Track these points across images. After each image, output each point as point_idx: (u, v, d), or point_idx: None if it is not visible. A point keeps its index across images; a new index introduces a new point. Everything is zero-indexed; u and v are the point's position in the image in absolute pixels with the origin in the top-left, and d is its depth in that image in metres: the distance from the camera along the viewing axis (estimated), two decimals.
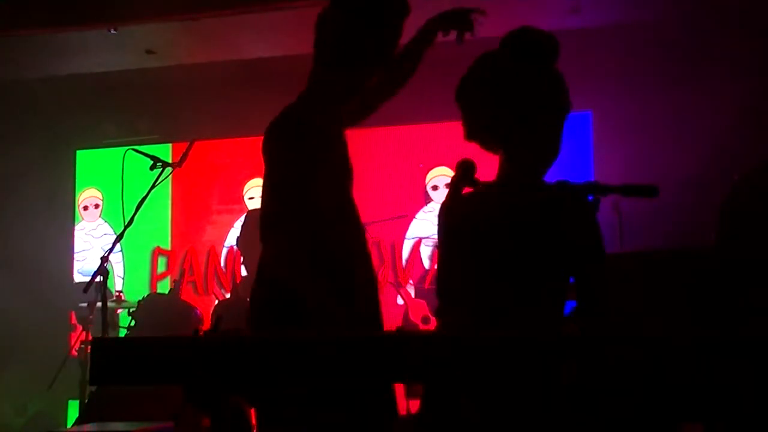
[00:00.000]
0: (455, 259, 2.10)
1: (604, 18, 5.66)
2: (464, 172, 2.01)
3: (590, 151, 5.89)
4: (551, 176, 2.10)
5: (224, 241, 6.63)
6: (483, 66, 2.11)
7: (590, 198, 1.97)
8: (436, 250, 3.94)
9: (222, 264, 6.59)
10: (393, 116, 6.09)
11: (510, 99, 2.06)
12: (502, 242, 2.04)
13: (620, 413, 1.62)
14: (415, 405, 4.73)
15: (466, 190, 2.08)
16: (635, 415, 1.57)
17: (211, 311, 5.31)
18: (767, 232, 3.66)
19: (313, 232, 2.30)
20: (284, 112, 2.38)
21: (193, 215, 6.67)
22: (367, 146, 5.87)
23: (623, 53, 5.53)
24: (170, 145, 6.64)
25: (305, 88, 2.44)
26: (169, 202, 6.67)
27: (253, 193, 6.62)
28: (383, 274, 6.16)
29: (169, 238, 6.67)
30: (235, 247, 6.34)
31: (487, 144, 2.15)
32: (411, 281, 6.18)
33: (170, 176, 6.40)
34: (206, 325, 5.17)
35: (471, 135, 2.14)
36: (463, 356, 1.55)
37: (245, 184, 6.63)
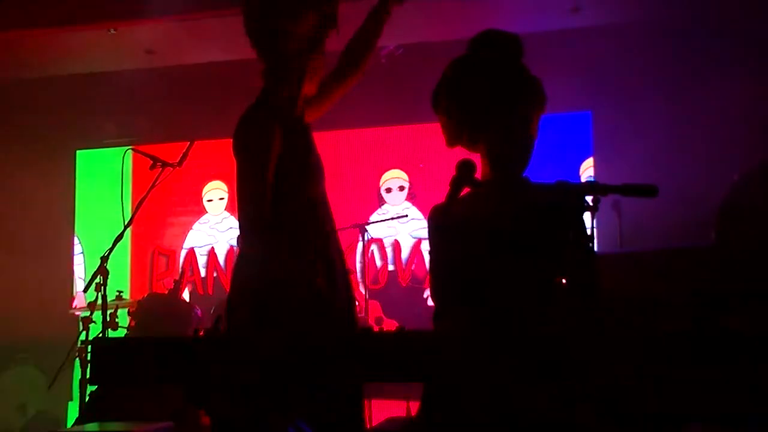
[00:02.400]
0: (452, 260, 2.10)
1: (604, 18, 5.66)
2: (464, 172, 2.01)
3: (590, 151, 5.89)
4: (552, 176, 2.10)
5: (183, 243, 6.64)
6: (453, 73, 2.14)
7: (590, 198, 1.98)
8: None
9: (180, 265, 6.60)
10: (345, 120, 6.12)
11: (480, 101, 2.09)
12: (500, 242, 2.05)
13: (621, 412, 1.62)
14: (415, 405, 4.73)
15: (465, 190, 2.09)
16: (636, 414, 1.57)
17: (211, 311, 5.30)
18: (766, 232, 3.66)
19: (286, 229, 2.30)
20: (249, 110, 2.39)
21: (152, 217, 6.66)
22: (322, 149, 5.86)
23: (623, 53, 5.53)
24: (130, 148, 6.67)
25: (262, 88, 2.45)
26: (130, 204, 6.69)
27: (211, 196, 6.62)
28: (382, 274, 6.17)
29: (129, 241, 6.66)
30: (235, 247, 6.35)
31: (469, 147, 2.17)
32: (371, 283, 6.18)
33: (130, 179, 6.49)
34: (206, 324, 5.16)
35: (451, 141, 2.17)
36: (463, 356, 1.55)
37: (204, 186, 6.65)
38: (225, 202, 6.63)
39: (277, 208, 2.30)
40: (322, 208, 2.43)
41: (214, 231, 6.61)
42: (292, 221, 2.33)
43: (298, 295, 2.21)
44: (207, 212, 6.63)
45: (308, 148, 2.43)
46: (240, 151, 2.33)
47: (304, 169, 2.39)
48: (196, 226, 6.63)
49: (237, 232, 6.47)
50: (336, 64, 2.59)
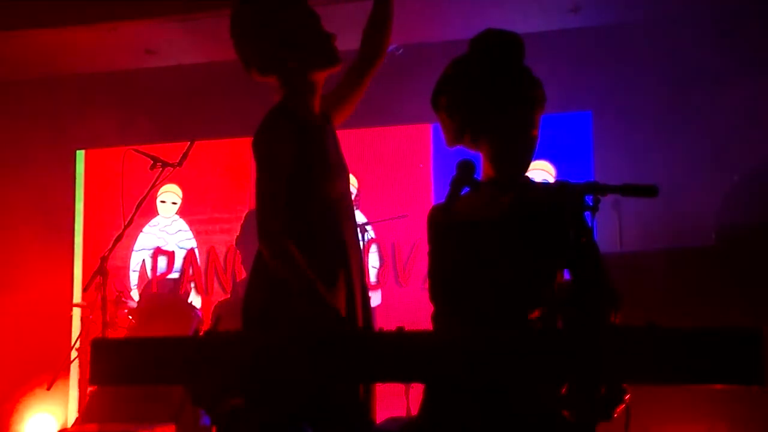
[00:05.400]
0: (452, 260, 2.10)
1: (604, 18, 5.66)
2: (464, 172, 2.01)
3: (590, 151, 5.89)
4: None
5: (134, 244, 6.63)
6: (454, 73, 2.14)
7: (590, 198, 1.98)
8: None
9: (134, 268, 6.60)
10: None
11: (482, 102, 2.09)
12: (499, 242, 2.05)
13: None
14: (415, 405, 4.73)
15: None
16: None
17: (211, 311, 5.31)
18: (766, 232, 3.66)
19: (308, 230, 2.32)
20: (272, 110, 2.40)
21: (106, 219, 6.63)
22: None
23: (623, 53, 5.53)
24: (83, 151, 6.73)
25: (283, 92, 2.46)
26: (82, 206, 6.74)
27: (164, 198, 6.61)
28: (383, 274, 6.17)
29: (81, 243, 6.69)
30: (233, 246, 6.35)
31: (470, 147, 2.17)
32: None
33: (82, 182, 6.47)
34: (206, 325, 5.17)
35: (452, 141, 2.17)
36: (463, 356, 1.55)
37: (159, 188, 6.63)
38: (177, 206, 6.62)
39: (296, 211, 2.31)
40: (343, 208, 2.44)
41: (164, 234, 6.61)
42: (310, 222, 2.34)
43: (311, 298, 2.22)
44: (158, 214, 6.62)
45: (327, 149, 2.44)
46: (257, 156, 2.35)
47: (323, 170, 2.39)
48: (146, 228, 6.62)
49: (186, 236, 6.55)
50: (355, 58, 2.60)
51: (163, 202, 6.58)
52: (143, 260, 6.58)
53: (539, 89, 2.13)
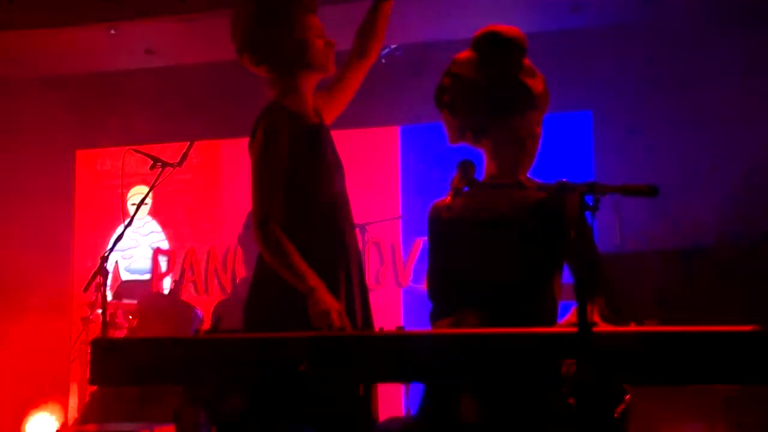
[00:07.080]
0: (450, 259, 2.10)
1: (604, 18, 5.66)
2: (463, 172, 2.01)
3: (590, 151, 5.89)
4: (552, 176, 2.10)
5: (107, 246, 6.62)
6: (457, 71, 2.13)
7: (590, 198, 1.98)
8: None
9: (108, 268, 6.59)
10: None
11: (484, 100, 2.08)
12: (499, 242, 2.05)
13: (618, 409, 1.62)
14: (415, 405, 4.73)
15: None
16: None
17: (211, 311, 5.31)
18: (766, 232, 3.66)
19: (306, 229, 2.32)
20: (268, 108, 2.40)
21: (100, 218, 6.65)
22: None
23: (623, 53, 5.53)
24: (82, 152, 6.73)
25: (276, 90, 2.47)
26: (73, 210, 6.76)
27: (135, 200, 6.56)
28: (383, 274, 6.16)
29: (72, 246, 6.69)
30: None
31: (472, 145, 2.17)
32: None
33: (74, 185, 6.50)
34: (206, 325, 5.17)
35: (454, 138, 2.17)
36: (463, 356, 1.55)
37: (129, 190, 6.59)
38: (148, 207, 6.60)
39: (292, 209, 2.31)
40: (340, 207, 2.44)
41: (137, 235, 6.60)
42: (308, 221, 2.34)
43: (303, 291, 2.22)
44: (129, 215, 6.62)
45: (323, 147, 2.44)
46: (254, 153, 2.36)
47: (319, 169, 2.40)
48: (118, 229, 6.61)
49: (158, 237, 6.54)
50: (347, 57, 2.60)
51: (133, 204, 6.56)
52: (116, 261, 6.57)
53: (543, 87, 2.13)
